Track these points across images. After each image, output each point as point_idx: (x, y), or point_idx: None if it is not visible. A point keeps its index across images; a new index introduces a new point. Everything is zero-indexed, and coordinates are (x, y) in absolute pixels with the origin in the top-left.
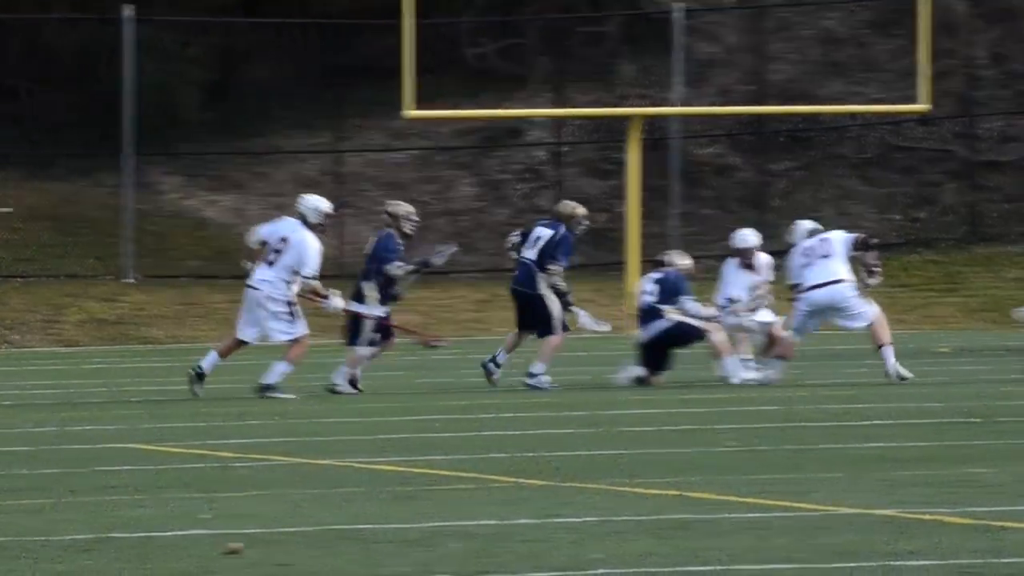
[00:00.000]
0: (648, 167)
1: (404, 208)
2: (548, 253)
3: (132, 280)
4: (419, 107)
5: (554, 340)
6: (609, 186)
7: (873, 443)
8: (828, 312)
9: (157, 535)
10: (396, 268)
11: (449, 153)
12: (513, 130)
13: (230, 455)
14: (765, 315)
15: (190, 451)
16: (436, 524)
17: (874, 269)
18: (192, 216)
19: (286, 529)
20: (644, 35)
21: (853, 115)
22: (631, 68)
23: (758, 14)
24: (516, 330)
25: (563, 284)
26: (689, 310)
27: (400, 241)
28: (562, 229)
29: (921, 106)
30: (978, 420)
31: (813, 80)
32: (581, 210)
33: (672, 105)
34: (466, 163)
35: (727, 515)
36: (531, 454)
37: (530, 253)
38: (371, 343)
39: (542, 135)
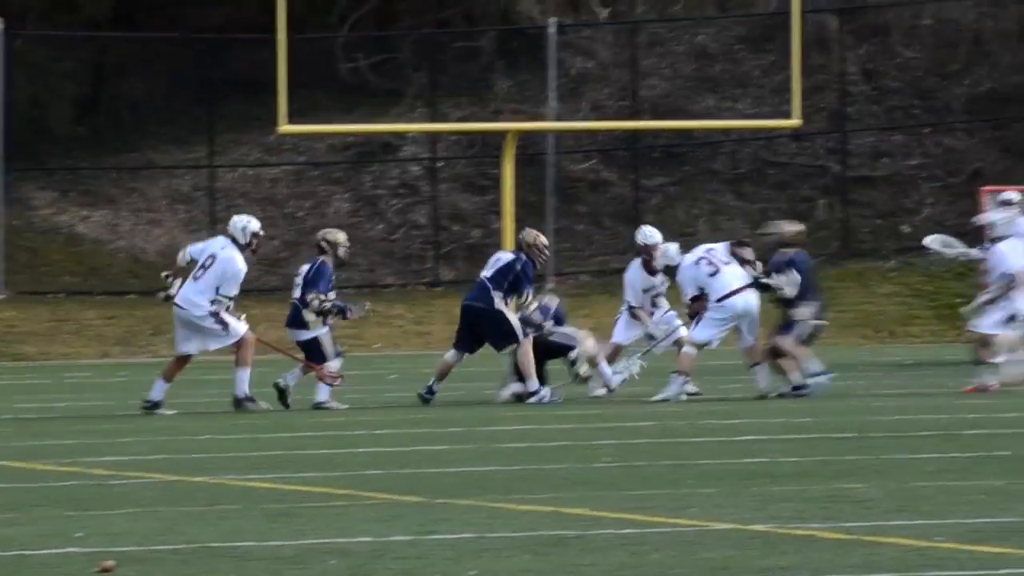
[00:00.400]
0: (523, 183)
1: (341, 236)
2: (509, 282)
3: (3, 296)
4: (293, 122)
5: (525, 348)
6: (485, 201)
7: (748, 459)
8: (743, 320)
9: (30, 553)
10: (315, 302)
11: (324, 168)
12: (388, 145)
13: (104, 472)
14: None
15: (63, 469)
16: (312, 541)
17: (754, 263)
18: (65, 232)
19: (161, 547)
20: (518, 50)
21: (726, 131)
22: (505, 83)
23: (631, 30)
24: (453, 350)
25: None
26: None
27: (332, 270)
28: (523, 257)
29: (793, 122)
30: (850, 435)
31: (686, 96)
32: (543, 240)
33: (546, 120)
34: (341, 179)
35: (603, 531)
36: (407, 471)
37: (487, 272)
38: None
39: (417, 150)
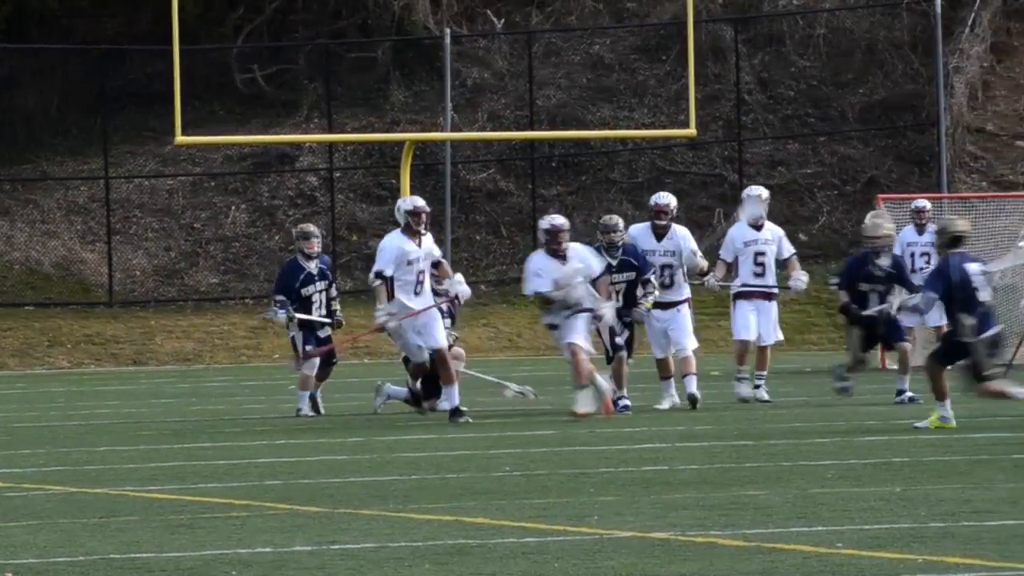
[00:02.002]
0: (421, 192)
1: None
2: None
3: None
4: (189, 133)
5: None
6: (383, 211)
7: (647, 467)
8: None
9: None
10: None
11: (220, 179)
12: (285, 156)
13: (2, 485)
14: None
15: None
16: (212, 552)
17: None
18: None
19: (60, 559)
20: (414, 61)
21: (623, 140)
22: (402, 94)
23: (526, 40)
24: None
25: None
26: None
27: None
28: None
29: (688, 131)
30: (750, 443)
31: (583, 105)
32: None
33: (443, 131)
34: (238, 189)
35: (504, 540)
36: (306, 481)
37: None
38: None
39: (314, 161)
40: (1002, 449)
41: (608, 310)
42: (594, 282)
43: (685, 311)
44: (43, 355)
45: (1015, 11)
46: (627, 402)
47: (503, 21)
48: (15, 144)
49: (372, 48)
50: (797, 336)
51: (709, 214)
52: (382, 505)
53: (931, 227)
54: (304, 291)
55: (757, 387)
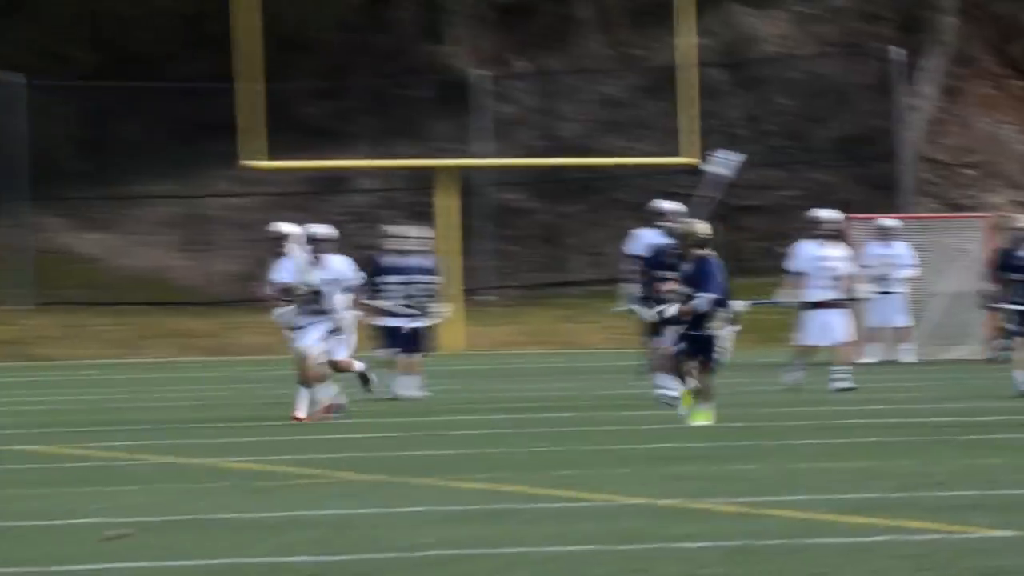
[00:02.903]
0: (462, 211)
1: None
2: None
3: (29, 307)
4: (262, 159)
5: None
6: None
7: (657, 444)
8: None
9: (51, 524)
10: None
11: (290, 198)
12: (344, 179)
13: (114, 455)
14: None
15: (79, 452)
16: (288, 513)
17: None
18: (76, 252)
19: (162, 518)
20: (454, 98)
21: (631, 166)
22: (444, 126)
23: (548, 80)
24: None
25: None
26: None
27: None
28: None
29: (688, 159)
30: (741, 425)
31: (596, 136)
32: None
33: (479, 157)
34: (303, 206)
35: (535, 505)
36: (368, 454)
37: None
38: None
39: (370, 183)
40: (955, 431)
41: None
42: (650, 282)
43: None
44: (140, 347)
45: (964, 59)
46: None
47: (528, 64)
48: (118, 167)
49: (417, 87)
50: (780, 334)
51: None
52: (432, 475)
53: (895, 243)
54: (391, 280)
55: (836, 379)
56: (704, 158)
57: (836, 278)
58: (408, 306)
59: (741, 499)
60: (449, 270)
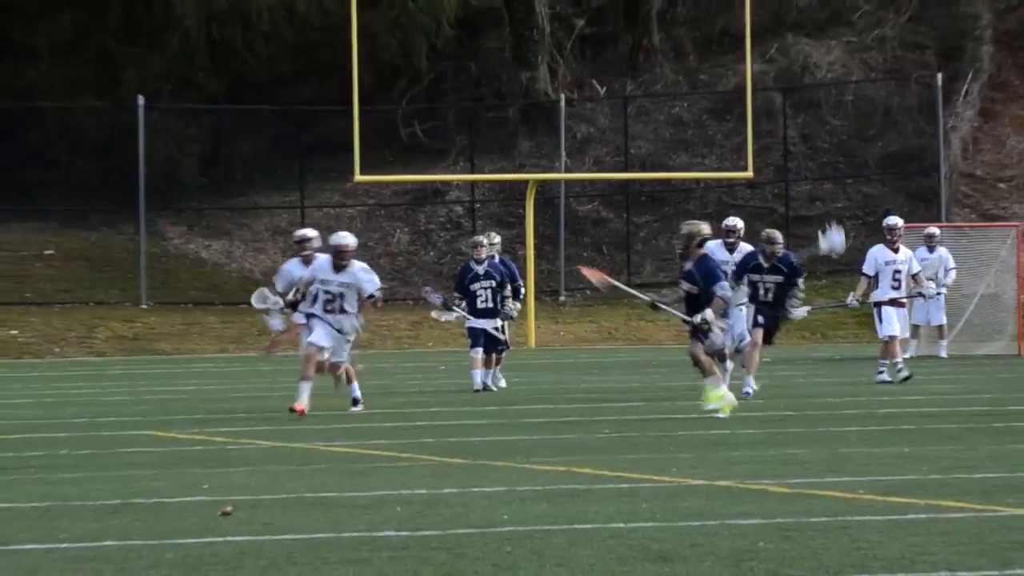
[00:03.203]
0: (542, 220)
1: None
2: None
3: (146, 305)
4: (365, 173)
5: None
6: (512, 234)
7: (714, 431)
8: None
9: (168, 501)
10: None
11: (388, 209)
12: (437, 191)
13: (223, 440)
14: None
15: (193, 437)
16: (381, 492)
17: None
18: (192, 257)
19: (268, 496)
20: (536, 119)
21: (696, 180)
22: (527, 143)
23: (622, 103)
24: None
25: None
26: None
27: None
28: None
29: (747, 174)
30: (793, 413)
31: (666, 153)
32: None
33: (558, 172)
34: (401, 216)
35: (604, 485)
36: (453, 439)
37: None
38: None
39: (460, 195)
40: (986, 419)
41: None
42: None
43: (746, 310)
44: (254, 342)
45: (998, 84)
46: (748, 389)
47: (604, 88)
48: (234, 181)
49: (505, 109)
50: (830, 332)
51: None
52: (510, 458)
53: (939, 249)
54: (472, 287)
55: (900, 371)
56: (819, 234)
57: (903, 278)
58: (490, 308)
59: (792, 481)
60: (531, 274)
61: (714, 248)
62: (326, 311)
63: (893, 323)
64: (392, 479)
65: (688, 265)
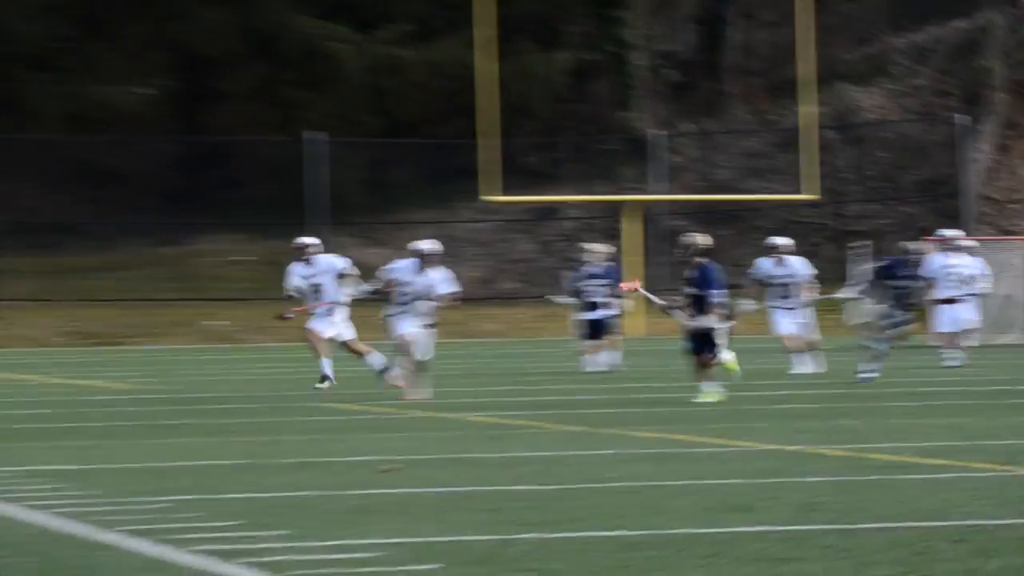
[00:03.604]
0: (642, 233)
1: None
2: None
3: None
4: (497, 195)
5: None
6: (616, 244)
7: (785, 405)
8: None
9: (339, 460)
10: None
11: (514, 224)
12: (554, 210)
13: (384, 411)
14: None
15: (360, 408)
16: (515, 454)
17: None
18: (355, 261)
19: (420, 457)
20: (635, 150)
21: (765, 202)
22: (629, 171)
23: (706, 138)
24: None
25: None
26: None
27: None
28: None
29: (809, 196)
30: (848, 392)
31: (740, 179)
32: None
33: (654, 195)
34: (526, 230)
35: (696, 450)
36: (572, 411)
37: None
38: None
39: (573, 212)
40: (1006, 397)
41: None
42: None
43: (808, 312)
44: None
45: (1011, 124)
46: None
47: (692, 126)
48: (389, 200)
49: (610, 142)
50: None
51: (818, 248)
52: (620, 427)
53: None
54: (582, 285)
55: (946, 358)
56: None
57: (961, 280)
58: (600, 303)
59: (847, 446)
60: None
61: (765, 263)
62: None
63: (959, 319)
64: (523, 443)
65: (690, 272)
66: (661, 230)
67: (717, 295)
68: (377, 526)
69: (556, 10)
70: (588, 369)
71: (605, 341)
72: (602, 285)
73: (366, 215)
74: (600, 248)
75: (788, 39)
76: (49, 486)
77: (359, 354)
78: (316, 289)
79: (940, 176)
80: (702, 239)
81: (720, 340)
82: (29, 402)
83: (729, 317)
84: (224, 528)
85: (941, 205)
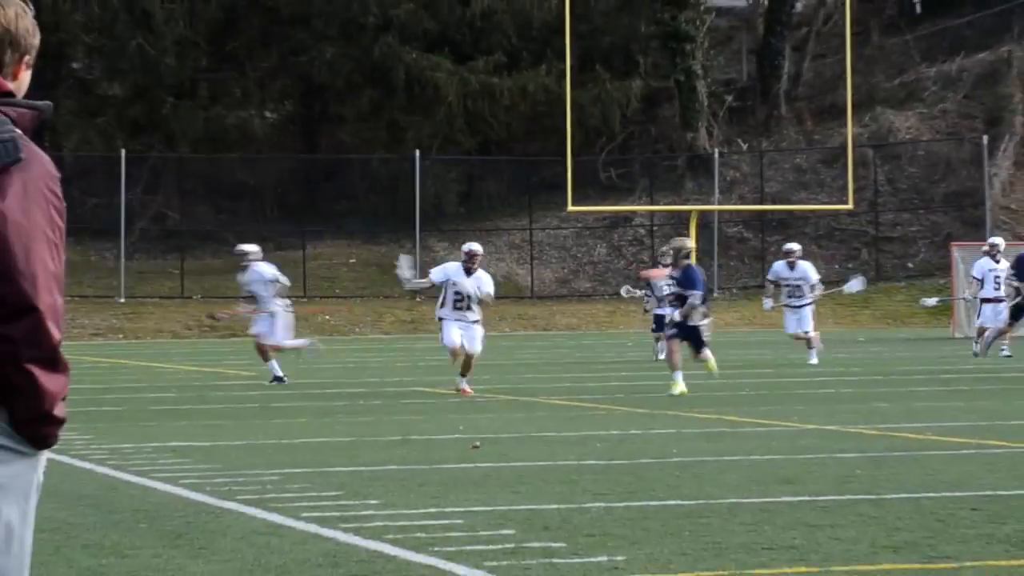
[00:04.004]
0: (701, 239)
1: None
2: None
3: (419, 299)
4: (578, 205)
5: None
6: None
7: (821, 390)
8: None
9: (434, 437)
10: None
11: (591, 230)
12: (627, 219)
13: (474, 395)
14: None
15: (453, 392)
16: (585, 433)
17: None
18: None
19: (504, 435)
20: (698, 166)
21: (812, 211)
22: (692, 184)
23: (759, 155)
24: None
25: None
26: None
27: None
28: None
29: (848, 206)
30: (880, 378)
31: (790, 191)
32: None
33: (713, 204)
34: (600, 235)
35: (744, 429)
36: (636, 395)
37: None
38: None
39: (643, 220)
40: (1019, 383)
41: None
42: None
43: (810, 310)
44: (490, 328)
45: None
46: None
47: (746, 145)
48: (482, 210)
49: (675, 159)
50: (906, 319)
51: (858, 251)
52: (678, 408)
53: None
54: (659, 284)
55: (1003, 349)
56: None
57: (1000, 281)
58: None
59: (878, 425)
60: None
61: (778, 267)
62: (455, 308)
63: (1001, 315)
64: (593, 423)
65: (675, 273)
66: (721, 236)
67: (695, 295)
68: (461, 496)
69: (631, 43)
70: (662, 358)
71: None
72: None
73: (461, 223)
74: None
75: (833, 70)
76: (178, 461)
77: (264, 357)
78: (252, 296)
79: (964, 189)
80: (689, 243)
81: (705, 338)
82: (163, 387)
83: (705, 315)
84: (327, 498)
85: (965, 214)
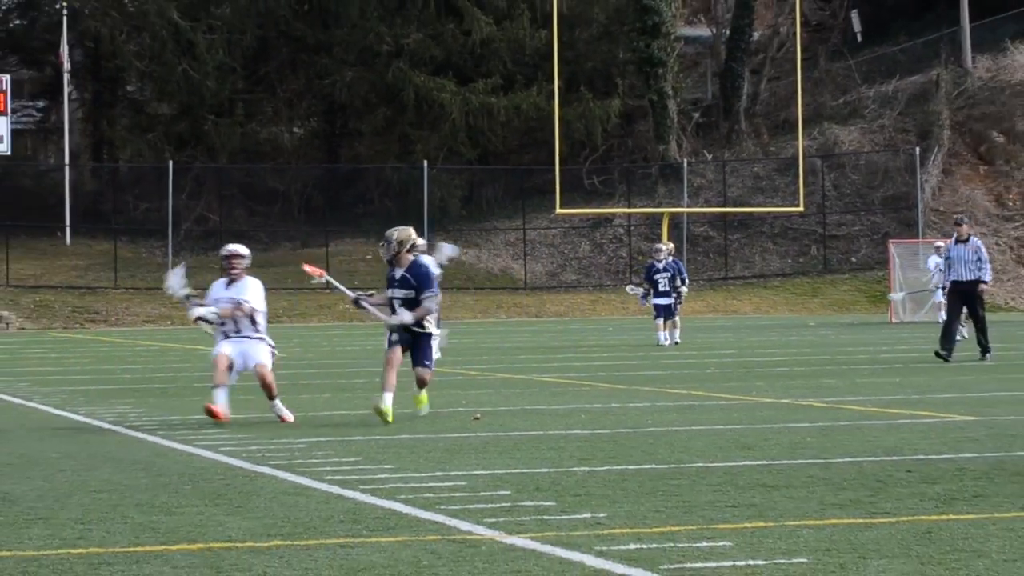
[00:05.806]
0: (672, 238)
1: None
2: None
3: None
4: (564, 208)
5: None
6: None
7: (777, 368)
8: None
9: (439, 410)
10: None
11: (577, 230)
12: (607, 220)
13: (475, 373)
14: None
15: (455, 371)
16: (571, 406)
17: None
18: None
19: (502, 408)
20: (670, 174)
21: (768, 213)
22: (663, 190)
23: (722, 164)
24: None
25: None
26: None
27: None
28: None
29: (799, 208)
30: (827, 357)
31: (749, 195)
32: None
33: (682, 207)
34: (583, 234)
35: (710, 403)
36: (616, 373)
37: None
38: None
39: (621, 221)
40: (1002, 368)
41: None
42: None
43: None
44: (493, 314)
45: (953, 154)
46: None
47: (711, 156)
48: (481, 212)
49: (649, 168)
50: (853, 308)
51: (806, 247)
52: (652, 385)
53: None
54: (655, 278)
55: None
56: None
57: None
58: (667, 290)
59: (826, 399)
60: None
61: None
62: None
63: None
64: (578, 397)
65: (399, 272)
66: (690, 235)
67: (429, 299)
68: (463, 461)
69: (611, 67)
70: (662, 343)
71: (674, 320)
72: (668, 277)
73: (463, 224)
74: (665, 247)
75: (786, 90)
76: (218, 431)
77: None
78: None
79: (900, 193)
80: (414, 233)
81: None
82: (206, 367)
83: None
84: (347, 463)
85: (900, 216)
